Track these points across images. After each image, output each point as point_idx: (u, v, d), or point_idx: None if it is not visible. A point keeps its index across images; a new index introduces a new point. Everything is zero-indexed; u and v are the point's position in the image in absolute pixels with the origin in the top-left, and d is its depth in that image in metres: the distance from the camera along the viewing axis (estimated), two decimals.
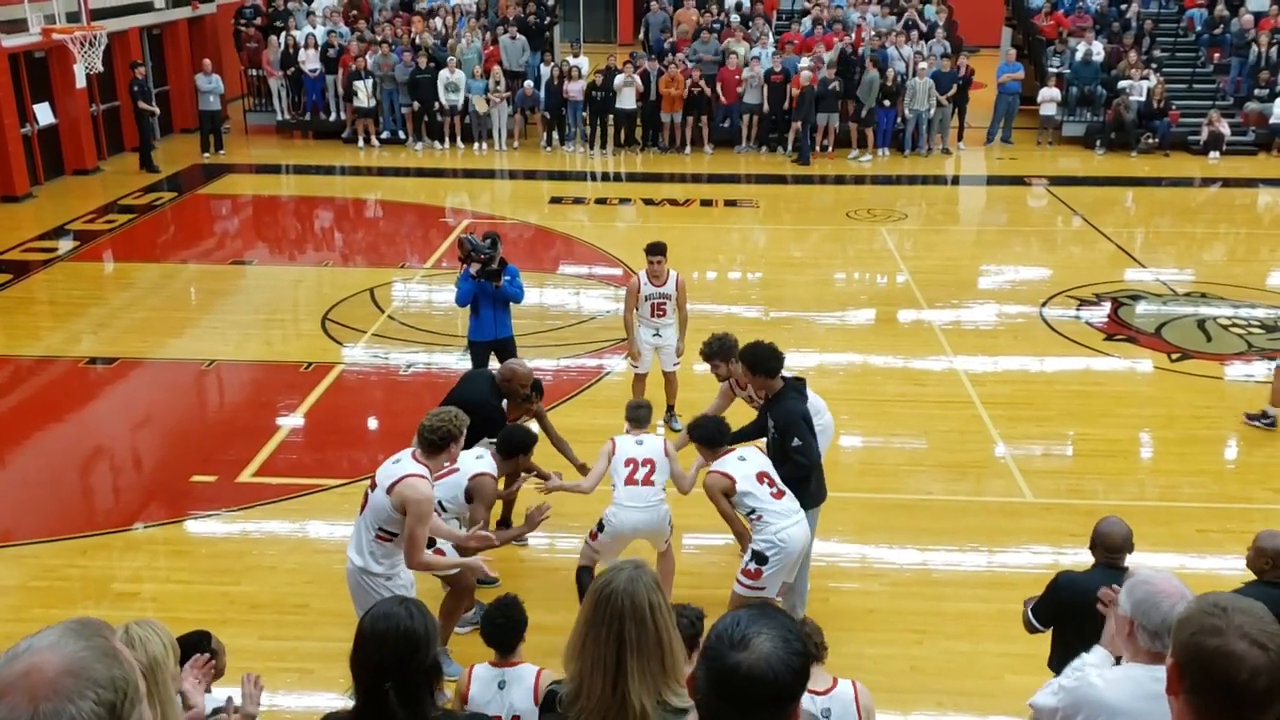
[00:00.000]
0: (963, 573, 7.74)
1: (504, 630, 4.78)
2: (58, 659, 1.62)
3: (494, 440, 7.00)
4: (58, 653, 1.63)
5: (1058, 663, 4.56)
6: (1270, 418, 9.91)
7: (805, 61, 20.88)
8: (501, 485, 6.71)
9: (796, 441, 6.47)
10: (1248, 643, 2.20)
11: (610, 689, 2.98)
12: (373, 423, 10.25)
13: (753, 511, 6.33)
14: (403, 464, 5.57)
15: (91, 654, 1.65)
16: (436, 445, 5.56)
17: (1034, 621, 5.11)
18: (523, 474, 7.20)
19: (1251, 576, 5.03)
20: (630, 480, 6.69)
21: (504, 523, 7.73)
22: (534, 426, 7.70)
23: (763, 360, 6.71)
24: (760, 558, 6.26)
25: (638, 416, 7.14)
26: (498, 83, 21.04)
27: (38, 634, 1.68)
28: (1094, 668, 3.55)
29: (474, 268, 8.93)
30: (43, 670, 1.60)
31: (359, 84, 21.03)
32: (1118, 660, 3.59)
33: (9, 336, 12.18)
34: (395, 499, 5.45)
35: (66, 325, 12.64)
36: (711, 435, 6.62)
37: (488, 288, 9.02)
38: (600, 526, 6.80)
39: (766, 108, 20.93)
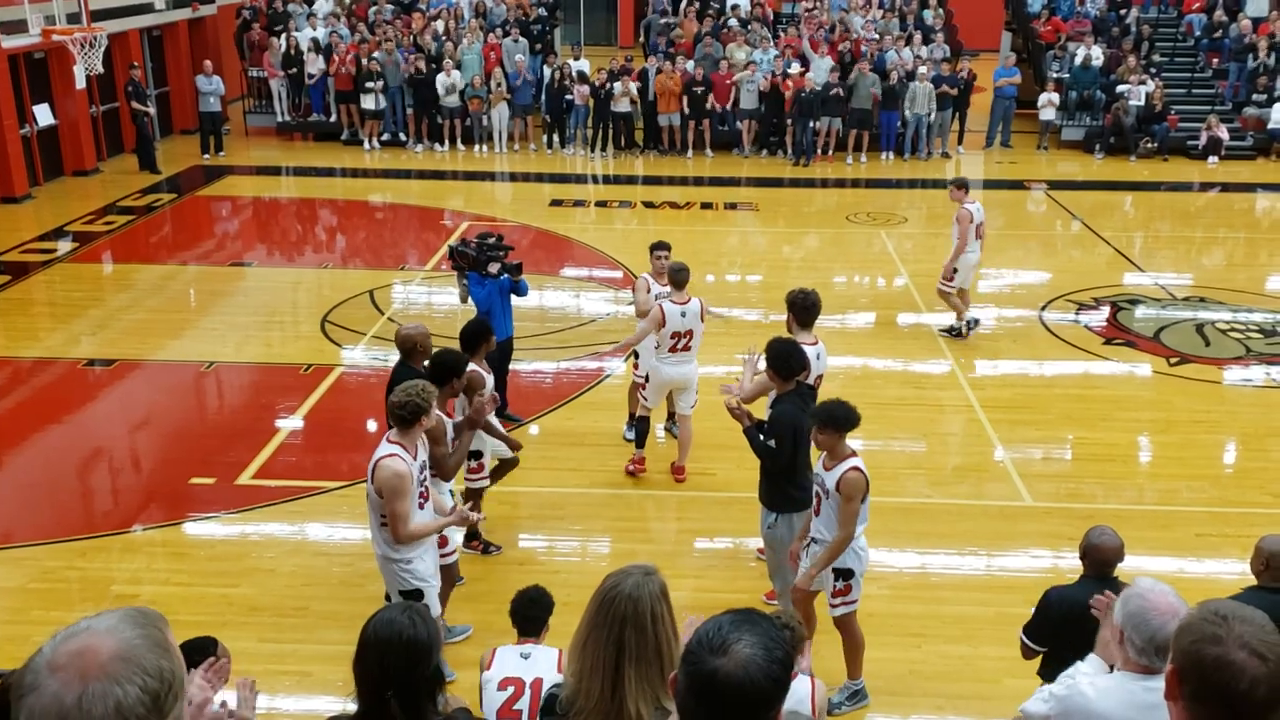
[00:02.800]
0: (961, 576, 7.75)
1: (534, 612, 4.95)
2: (112, 643, 1.70)
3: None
4: (113, 637, 1.71)
5: (1050, 675, 4.55)
6: (967, 324, 11.88)
7: (797, 66, 20.93)
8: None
9: (772, 442, 6.55)
10: (1247, 652, 2.21)
11: (609, 693, 2.98)
12: (372, 425, 10.23)
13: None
14: (378, 450, 5.72)
15: (145, 643, 1.73)
16: (407, 420, 5.68)
17: (1030, 644, 5.07)
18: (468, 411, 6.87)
19: (1252, 581, 5.03)
20: (673, 349, 8.58)
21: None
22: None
23: (784, 360, 6.71)
24: (848, 573, 6.17)
25: (679, 280, 8.54)
26: (499, 84, 21.06)
27: (97, 615, 1.76)
28: (1086, 676, 3.56)
29: (494, 267, 8.97)
30: (97, 652, 1.68)
31: (369, 83, 20.99)
32: (1112, 668, 3.60)
33: (8, 338, 12.17)
34: (375, 485, 5.64)
35: (65, 327, 12.63)
36: (845, 418, 6.04)
37: (506, 284, 9.04)
38: (646, 378, 8.81)
39: (765, 111, 20.99)
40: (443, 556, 6.43)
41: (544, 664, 4.71)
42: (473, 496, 7.62)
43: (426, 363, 6.95)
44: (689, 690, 2.15)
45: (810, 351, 7.16)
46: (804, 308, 7.42)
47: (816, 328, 7.54)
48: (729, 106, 21.21)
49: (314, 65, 21.67)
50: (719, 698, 2.10)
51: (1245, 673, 2.20)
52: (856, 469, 5.96)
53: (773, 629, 2.18)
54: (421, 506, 5.89)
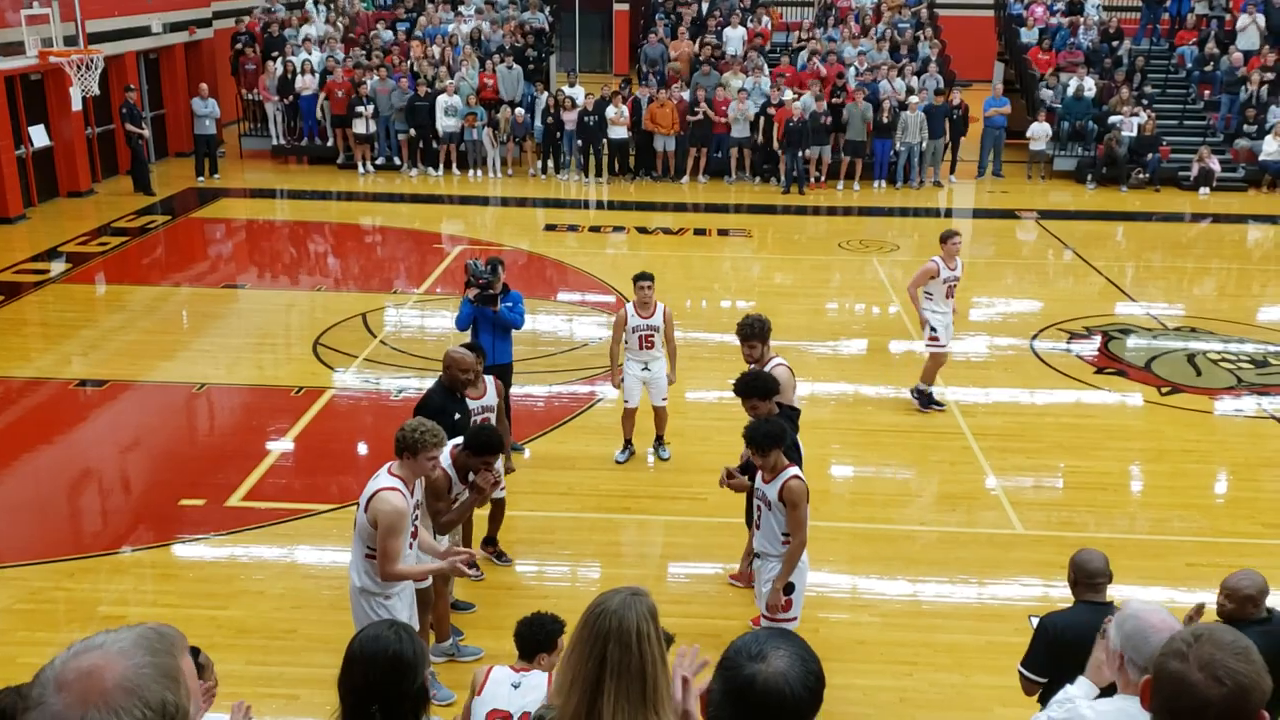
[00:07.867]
0: (953, 604, 7.73)
1: (532, 635, 4.89)
2: (119, 669, 1.67)
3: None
4: (123, 662, 1.68)
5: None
6: (928, 396, 10.93)
7: (789, 94, 21.06)
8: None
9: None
10: (1206, 675, 2.26)
11: (585, 709, 2.94)
12: (363, 448, 10.22)
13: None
14: (377, 479, 5.65)
15: (152, 672, 1.69)
16: (397, 450, 5.68)
17: (1031, 676, 4.86)
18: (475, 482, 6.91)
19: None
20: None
21: (465, 541, 7.96)
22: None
23: (761, 383, 6.80)
24: (789, 587, 6.19)
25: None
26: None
27: (116, 631, 1.74)
28: (1084, 699, 3.55)
29: (471, 292, 9.01)
30: (102, 676, 1.66)
31: (359, 108, 21.09)
32: (1105, 691, 3.59)
33: (0, 357, 12.16)
34: (370, 515, 5.55)
35: (57, 347, 12.61)
36: (765, 435, 6.09)
37: (487, 313, 9.09)
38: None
39: (760, 139, 21.12)
40: (418, 580, 6.31)
41: (533, 695, 4.67)
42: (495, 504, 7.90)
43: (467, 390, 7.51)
44: (725, 696, 2.20)
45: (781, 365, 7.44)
46: (769, 330, 7.65)
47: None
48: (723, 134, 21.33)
49: (311, 88, 21.73)
50: (758, 704, 2.14)
51: (1197, 692, 2.25)
52: (796, 477, 6.04)
53: (806, 646, 2.24)
54: (411, 546, 5.80)
